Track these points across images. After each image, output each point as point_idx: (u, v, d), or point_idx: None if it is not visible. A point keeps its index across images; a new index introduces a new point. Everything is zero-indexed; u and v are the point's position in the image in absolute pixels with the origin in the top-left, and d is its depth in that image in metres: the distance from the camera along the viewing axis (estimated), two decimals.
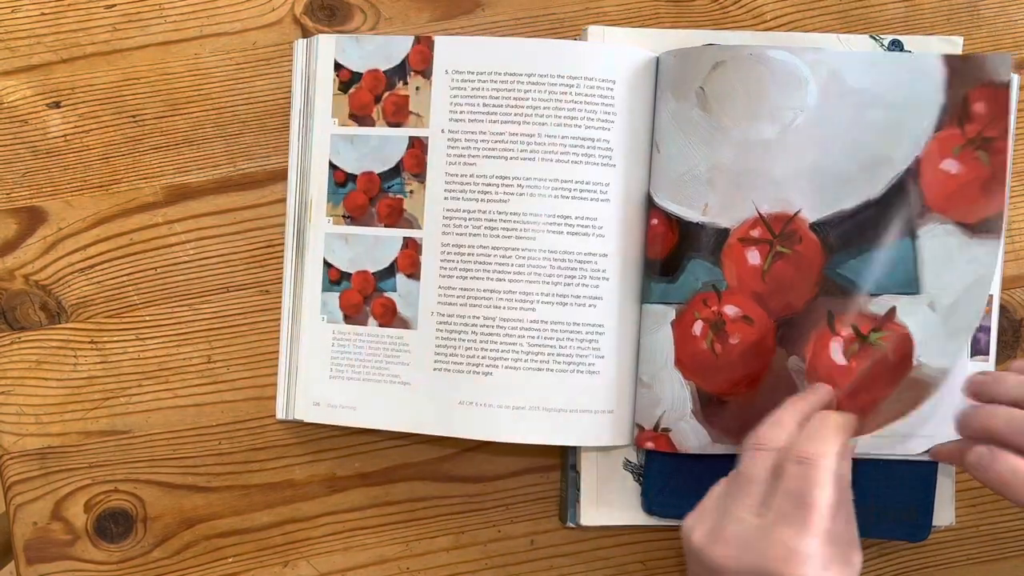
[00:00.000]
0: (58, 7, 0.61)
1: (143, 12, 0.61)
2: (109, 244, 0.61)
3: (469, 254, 0.57)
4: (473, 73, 0.57)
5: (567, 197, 0.56)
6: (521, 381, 0.56)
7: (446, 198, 0.57)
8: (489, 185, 0.56)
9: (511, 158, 0.56)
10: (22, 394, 0.60)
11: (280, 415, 0.60)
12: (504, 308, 0.56)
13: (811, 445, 0.47)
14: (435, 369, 0.57)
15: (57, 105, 0.61)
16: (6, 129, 0.61)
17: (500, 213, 0.56)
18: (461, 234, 0.57)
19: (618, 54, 0.56)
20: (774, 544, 0.45)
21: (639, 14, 0.62)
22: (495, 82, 0.56)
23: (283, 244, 0.60)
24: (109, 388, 0.61)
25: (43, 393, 0.60)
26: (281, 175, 0.61)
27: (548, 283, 0.56)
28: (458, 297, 0.57)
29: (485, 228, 0.56)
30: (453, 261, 0.57)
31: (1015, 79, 0.56)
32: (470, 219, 0.57)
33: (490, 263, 0.56)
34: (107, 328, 0.61)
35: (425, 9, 0.61)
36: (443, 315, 0.57)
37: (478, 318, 0.56)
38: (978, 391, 0.51)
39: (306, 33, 0.61)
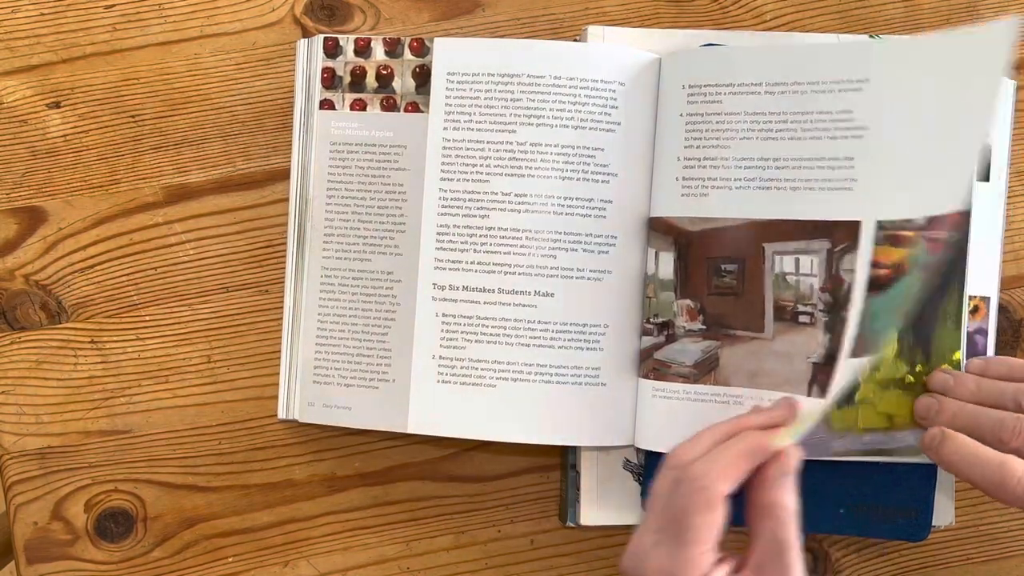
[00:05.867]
0: (58, 7, 0.61)
1: (143, 12, 0.61)
2: (109, 244, 0.61)
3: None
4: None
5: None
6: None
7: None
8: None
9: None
10: (22, 394, 0.60)
11: (281, 415, 0.60)
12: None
13: (703, 466, 0.46)
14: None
15: (57, 105, 0.61)
16: (6, 129, 0.61)
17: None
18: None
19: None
20: (654, 562, 0.46)
21: (639, 14, 0.62)
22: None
23: (283, 244, 0.60)
24: (109, 388, 0.61)
25: (43, 393, 0.60)
26: (281, 175, 0.61)
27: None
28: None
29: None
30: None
31: (1013, 84, 0.56)
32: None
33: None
34: (107, 328, 0.61)
35: (425, 9, 0.62)
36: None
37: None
38: (942, 391, 0.54)
39: (306, 33, 0.61)
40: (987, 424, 0.51)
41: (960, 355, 0.56)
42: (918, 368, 0.56)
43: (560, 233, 0.56)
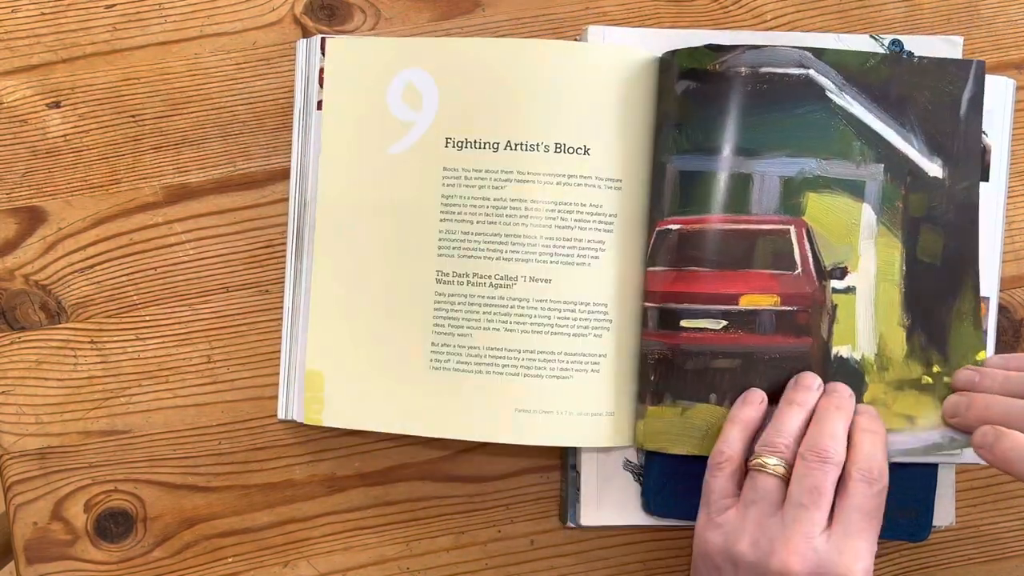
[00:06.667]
0: (58, 7, 0.61)
1: (143, 12, 0.61)
2: (109, 244, 0.61)
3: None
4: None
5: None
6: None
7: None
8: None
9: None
10: (22, 394, 0.60)
11: (281, 415, 0.60)
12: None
13: (875, 464, 0.51)
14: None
15: (57, 105, 0.61)
16: (6, 129, 0.61)
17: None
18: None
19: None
20: (847, 556, 0.49)
21: (639, 14, 0.62)
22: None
23: (283, 244, 0.60)
24: (109, 388, 0.61)
25: (43, 393, 0.60)
26: (281, 175, 0.61)
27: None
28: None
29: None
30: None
31: (1012, 83, 0.56)
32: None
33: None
34: (107, 328, 0.61)
35: (425, 9, 0.62)
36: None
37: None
38: (968, 388, 0.54)
39: (306, 33, 0.61)
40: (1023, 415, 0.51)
41: (985, 355, 0.56)
42: (935, 368, 0.55)
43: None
